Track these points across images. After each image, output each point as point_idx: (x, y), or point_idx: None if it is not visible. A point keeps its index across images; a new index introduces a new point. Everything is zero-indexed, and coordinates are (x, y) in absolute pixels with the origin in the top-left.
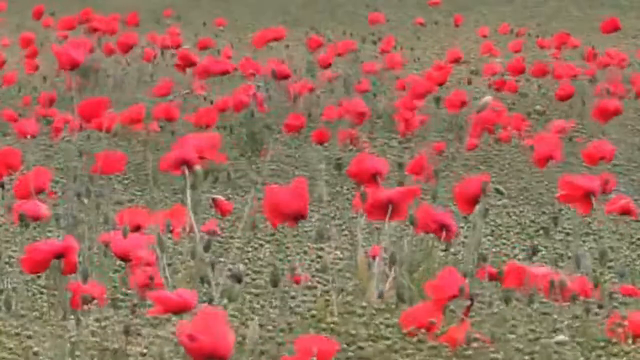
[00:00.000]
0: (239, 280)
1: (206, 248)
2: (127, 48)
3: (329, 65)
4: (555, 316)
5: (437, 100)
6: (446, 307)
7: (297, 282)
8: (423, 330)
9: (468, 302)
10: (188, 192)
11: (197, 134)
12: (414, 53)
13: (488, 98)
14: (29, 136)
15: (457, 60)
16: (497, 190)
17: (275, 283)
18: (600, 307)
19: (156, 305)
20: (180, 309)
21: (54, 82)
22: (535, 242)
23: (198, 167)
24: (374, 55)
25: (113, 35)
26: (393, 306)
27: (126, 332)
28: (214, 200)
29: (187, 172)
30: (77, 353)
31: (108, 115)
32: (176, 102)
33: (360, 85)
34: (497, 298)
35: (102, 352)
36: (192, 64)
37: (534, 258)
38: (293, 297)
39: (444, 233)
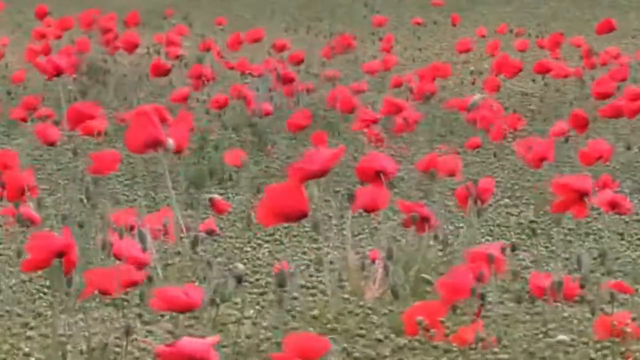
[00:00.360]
0: (240, 280)
1: (194, 244)
2: (132, 47)
3: (300, 61)
4: (565, 315)
5: (428, 98)
6: (454, 307)
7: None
8: (428, 329)
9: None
10: (168, 181)
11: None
12: (413, 53)
13: (478, 96)
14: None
15: (467, 51)
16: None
17: (281, 284)
18: (589, 302)
19: (159, 302)
20: (186, 308)
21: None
22: (535, 242)
23: (170, 142)
24: (373, 55)
25: (115, 34)
26: (389, 305)
27: (127, 332)
28: (211, 199)
29: (160, 153)
30: (69, 348)
31: (99, 118)
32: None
33: (358, 85)
34: (501, 298)
35: (94, 351)
36: (164, 72)
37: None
38: (295, 298)
39: (426, 225)
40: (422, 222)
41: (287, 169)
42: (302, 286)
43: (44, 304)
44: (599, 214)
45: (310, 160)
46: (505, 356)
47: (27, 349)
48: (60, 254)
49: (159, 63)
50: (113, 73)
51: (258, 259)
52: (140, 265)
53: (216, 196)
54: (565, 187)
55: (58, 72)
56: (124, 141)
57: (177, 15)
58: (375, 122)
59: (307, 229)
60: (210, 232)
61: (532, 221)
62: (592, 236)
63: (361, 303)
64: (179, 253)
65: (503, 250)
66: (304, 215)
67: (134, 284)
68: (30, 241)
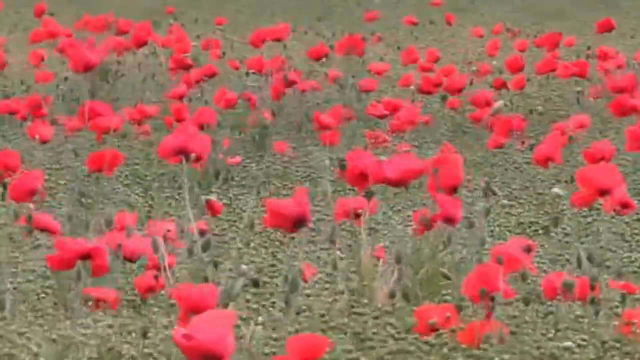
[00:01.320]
0: (254, 283)
1: (205, 248)
2: (140, 44)
3: (325, 55)
4: (572, 316)
5: (444, 98)
6: (461, 307)
7: (305, 281)
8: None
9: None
10: (186, 188)
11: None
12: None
13: (501, 102)
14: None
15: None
16: (492, 192)
17: (294, 287)
18: (592, 302)
19: (178, 303)
20: (200, 308)
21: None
22: (536, 242)
23: (194, 155)
24: (378, 54)
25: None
26: (398, 306)
27: (144, 334)
28: (207, 201)
29: (184, 161)
30: (88, 354)
31: (116, 117)
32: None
33: (365, 85)
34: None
35: (107, 353)
36: (187, 67)
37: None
38: (307, 295)
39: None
40: (448, 221)
41: (289, 169)
42: (312, 288)
43: (48, 305)
44: (599, 214)
45: (388, 167)
46: (510, 356)
47: (36, 349)
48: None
49: (180, 59)
50: (121, 74)
51: (258, 260)
52: (156, 268)
53: (212, 197)
54: (589, 182)
55: (87, 67)
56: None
57: (171, 15)
58: (383, 117)
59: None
60: (201, 233)
61: (532, 222)
62: (590, 236)
63: (372, 304)
64: (190, 254)
65: (526, 249)
66: (304, 223)
67: (152, 289)
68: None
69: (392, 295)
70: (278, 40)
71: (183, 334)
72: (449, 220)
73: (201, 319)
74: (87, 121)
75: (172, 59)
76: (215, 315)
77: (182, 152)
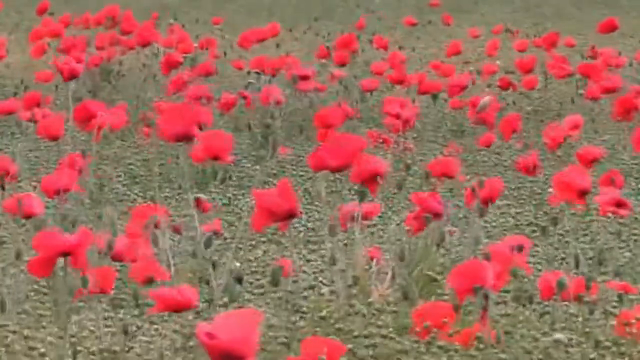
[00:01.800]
0: (240, 281)
1: (207, 245)
2: (146, 43)
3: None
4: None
5: (435, 97)
6: (462, 306)
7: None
8: (435, 330)
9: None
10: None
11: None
12: (410, 54)
13: (487, 98)
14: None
15: (457, 54)
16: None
17: (276, 282)
18: (587, 302)
19: (157, 303)
20: (181, 307)
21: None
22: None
23: (196, 140)
24: (378, 55)
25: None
26: (394, 306)
27: (125, 332)
28: (196, 199)
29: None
30: (79, 349)
31: (100, 118)
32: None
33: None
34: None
35: (101, 353)
36: (176, 65)
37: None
38: (303, 296)
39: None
40: (435, 217)
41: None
42: (308, 287)
43: (47, 304)
44: (597, 214)
45: (331, 151)
46: (506, 356)
47: (42, 350)
48: (66, 254)
49: (171, 58)
50: (122, 74)
51: (256, 259)
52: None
53: (202, 196)
54: (567, 185)
55: (73, 76)
56: (158, 131)
57: (170, 15)
58: (399, 117)
59: (301, 230)
60: (215, 233)
61: (530, 223)
62: (588, 237)
63: (369, 302)
64: (193, 254)
65: (514, 248)
66: (293, 216)
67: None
68: (36, 240)
69: (385, 294)
70: (263, 40)
71: (206, 332)
72: (434, 214)
73: (226, 316)
74: (79, 123)
75: (165, 59)
76: (240, 314)
77: (184, 138)
